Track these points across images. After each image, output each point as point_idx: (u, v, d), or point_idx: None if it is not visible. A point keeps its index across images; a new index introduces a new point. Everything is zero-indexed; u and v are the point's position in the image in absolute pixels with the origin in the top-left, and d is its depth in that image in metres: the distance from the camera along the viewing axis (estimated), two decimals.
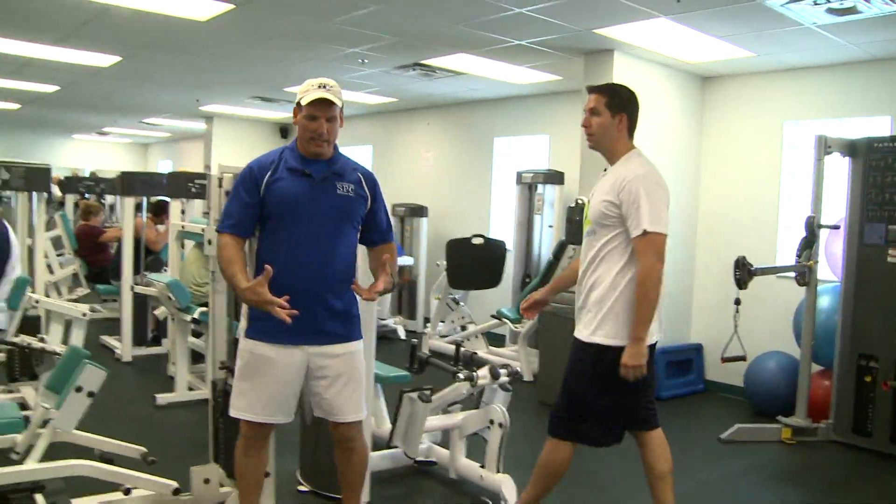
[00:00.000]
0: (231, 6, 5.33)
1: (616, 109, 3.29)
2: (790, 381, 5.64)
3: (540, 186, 7.93)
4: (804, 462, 5.08)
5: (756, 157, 6.53)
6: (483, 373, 4.02)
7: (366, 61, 7.16)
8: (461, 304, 7.92)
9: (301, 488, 4.03)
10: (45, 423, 3.54)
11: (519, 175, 8.01)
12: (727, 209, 6.70)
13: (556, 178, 7.72)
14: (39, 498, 3.47)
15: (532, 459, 4.63)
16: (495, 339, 7.92)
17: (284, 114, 11.43)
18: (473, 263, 7.58)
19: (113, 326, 7.63)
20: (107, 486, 3.63)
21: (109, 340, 7.35)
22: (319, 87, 2.95)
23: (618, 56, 6.02)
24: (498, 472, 4.03)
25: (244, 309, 3.08)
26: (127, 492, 3.55)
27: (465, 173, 9.35)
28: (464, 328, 7.78)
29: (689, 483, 4.50)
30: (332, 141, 3.04)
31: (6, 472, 3.28)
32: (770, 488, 4.63)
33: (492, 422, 4.05)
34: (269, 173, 2.98)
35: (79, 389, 3.38)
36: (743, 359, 5.20)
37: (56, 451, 3.67)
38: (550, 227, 7.80)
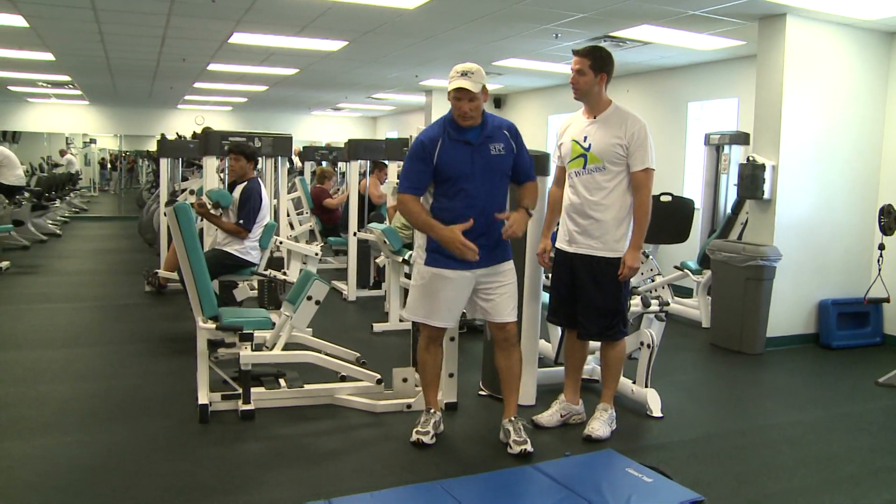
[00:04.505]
0: None
1: (598, 70, 3.98)
2: None
3: (726, 147, 8.22)
4: None
5: None
6: (636, 301, 4.67)
7: (559, 35, 7.79)
8: (650, 257, 8.41)
9: (481, 392, 4.91)
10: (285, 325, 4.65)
11: (707, 136, 8.33)
12: None
13: (741, 138, 7.98)
14: (282, 381, 4.61)
15: (697, 389, 5.49)
16: (685, 293, 8.35)
17: (495, 85, 12.23)
18: (661, 220, 8.03)
19: (342, 275, 8.90)
20: (327, 377, 4.71)
21: (338, 284, 8.60)
22: (462, 74, 3.69)
23: (790, 19, 6.17)
24: (646, 386, 4.69)
25: (418, 243, 3.96)
26: (342, 378, 4.63)
27: (662, 136, 9.59)
28: (652, 280, 8.29)
29: (821, 413, 4.88)
30: (476, 116, 3.80)
31: (260, 355, 4.42)
32: None
33: (642, 343, 4.69)
34: (438, 144, 3.79)
35: (309, 298, 4.45)
36: (886, 300, 5.43)
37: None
38: (735, 185, 8.07)
